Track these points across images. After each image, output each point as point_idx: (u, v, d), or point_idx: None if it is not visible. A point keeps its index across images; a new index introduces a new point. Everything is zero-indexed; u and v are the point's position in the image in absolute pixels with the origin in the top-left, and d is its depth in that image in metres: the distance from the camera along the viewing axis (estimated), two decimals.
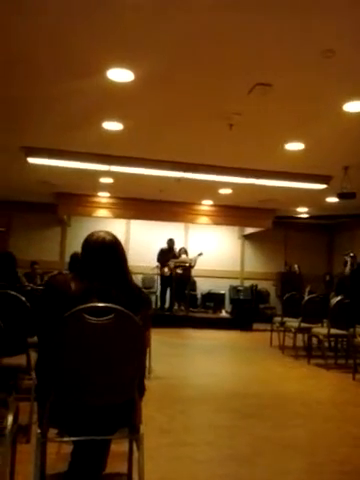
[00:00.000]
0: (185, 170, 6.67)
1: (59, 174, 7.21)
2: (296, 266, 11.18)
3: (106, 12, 2.80)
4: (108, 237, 1.91)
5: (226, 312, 10.24)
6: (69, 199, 9.26)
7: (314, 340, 6.35)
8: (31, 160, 6.20)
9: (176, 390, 4.22)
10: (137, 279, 9.94)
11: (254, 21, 2.85)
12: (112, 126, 4.97)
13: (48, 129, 5.22)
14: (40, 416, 1.72)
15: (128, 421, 1.79)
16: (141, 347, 1.75)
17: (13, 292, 2.80)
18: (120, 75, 3.70)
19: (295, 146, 5.43)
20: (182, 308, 9.80)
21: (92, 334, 1.64)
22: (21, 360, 2.76)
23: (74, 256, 4.37)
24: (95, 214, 9.69)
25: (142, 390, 1.82)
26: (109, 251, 1.88)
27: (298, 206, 9.66)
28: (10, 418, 1.80)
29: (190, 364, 5.76)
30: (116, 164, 6.45)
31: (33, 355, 2.83)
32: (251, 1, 2.64)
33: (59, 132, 5.32)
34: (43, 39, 3.15)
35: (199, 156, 6.24)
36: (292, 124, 4.74)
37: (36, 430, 1.78)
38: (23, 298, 2.80)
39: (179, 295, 9.75)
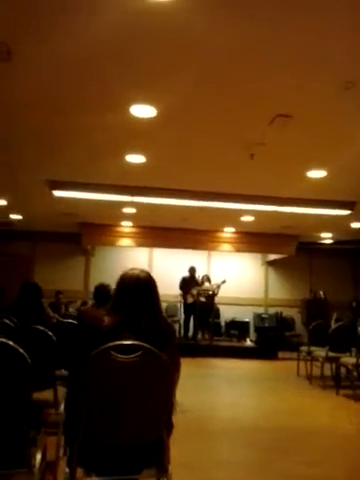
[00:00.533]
0: (207, 199, 6.72)
1: (83, 205, 7.35)
2: (321, 292, 11.01)
3: (131, 51, 2.91)
4: (143, 274, 1.98)
5: (251, 341, 10.08)
6: (92, 229, 9.39)
7: (342, 369, 6.18)
8: (56, 193, 6.35)
9: (203, 424, 4.15)
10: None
11: (273, 53, 2.90)
12: (135, 159, 5.07)
13: (72, 163, 5.37)
14: (69, 456, 1.72)
15: (156, 460, 1.77)
16: (169, 385, 1.74)
17: (41, 327, 2.84)
18: (143, 111, 3.80)
19: (317, 174, 5.42)
20: (206, 337, 9.70)
21: (119, 372, 1.64)
22: (48, 394, 2.77)
23: (99, 287, 4.39)
24: (118, 243, 9.80)
25: (170, 428, 1.80)
26: (143, 288, 1.94)
27: (322, 231, 9.56)
28: (38, 456, 1.80)
29: (216, 396, 5.66)
30: (139, 195, 6.55)
31: (60, 389, 2.84)
32: (270, 35, 2.70)
33: (83, 165, 5.46)
34: (70, 75, 3.26)
35: (221, 185, 6.28)
36: (313, 152, 4.75)
37: (64, 468, 1.77)
38: (50, 332, 2.83)
39: (203, 323, 9.67)
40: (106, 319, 1.82)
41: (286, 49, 2.85)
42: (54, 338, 2.83)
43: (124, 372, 1.64)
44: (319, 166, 5.18)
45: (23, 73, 3.23)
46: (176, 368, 1.93)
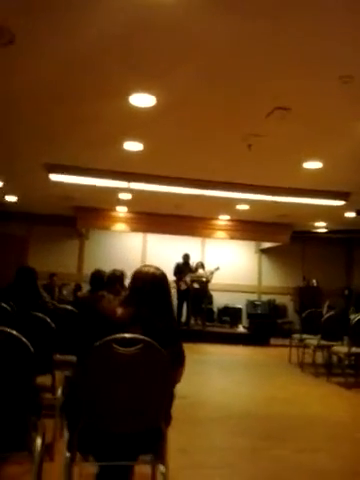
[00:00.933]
0: (203, 187, 6.75)
1: (79, 190, 7.34)
2: (314, 280, 11.14)
3: (133, 43, 2.91)
4: (158, 271, 2.07)
5: (243, 327, 10.22)
6: (88, 213, 9.40)
7: (334, 357, 6.31)
8: (53, 177, 6.35)
9: (196, 410, 4.25)
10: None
11: (273, 47, 2.92)
12: (133, 146, 5.08)
13: (70, 148, 5.36)
14: (69, 441, 1.78)
15: (153, 448, 1.84)
16: (167, 377, 1.80)
17: (40, 314, 2.89)
18: (142, 100, 3.80)
19: (313, 165, 5.46)
20: (199, 322, 9.82)
21: (120, 364, 1.70)
22: (45, 379, 2.83)
23: (96, 274, 4.44)
24: (113, 228, 9.83)
25: (168, 419, 1.87)
26: (159, 285, 2.03)
27: (316, 221, 9.64)
28: (39, 441, 1.87)
29: (208, 382, 5.77)
30: (135, 181, 6.56)
31: (57, 374, 2.91)
32: (270, 28, 2.71)
33: (81, 151, 5.45)
34: (72, 65, 3.26)
35: (217, 173, 6.30)
36: (310, 144, 4.78)
37: (63, 451, 1.85)
38: (49, 319, 2.88)
39: (196, 309, 9.77)
40: (119, 311, 1.90)
41: (285, 44, 2.86)
42: (53, 325, 2.89)
43: (124, 364, 1.70)
44: (315, 158, 5.22)
45: (25, 60, 3.22)
46: (180, 364, 1.99)
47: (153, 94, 3.72)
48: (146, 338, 1.72)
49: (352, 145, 4.71)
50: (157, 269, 2.09)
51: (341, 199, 6.93)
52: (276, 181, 6.52)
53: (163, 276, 2.07)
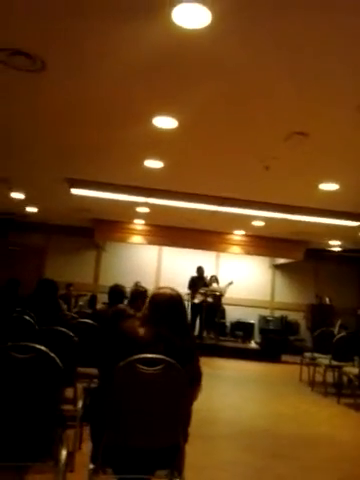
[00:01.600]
0: (220, 204, 6.87)
1: (98, 203, 7.52)
2: (327, 298, 11.14)
3: (159, 70, 3.06)
4: (174, 293, 2.21)
5: (255, 342, 10.25)
6: (106, 225, 9.59)
7: (344, 377, 6.34)
8: (74, 191, 6.53)
9: (207, 425, 4.32)
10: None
11: (293, 76, 3.03)
12: (153, 164, 5.23)
13: (92, 165, 5.53)
14: (93, 454, 1.90)
15: (171, 463, 1.94)
16: (186, 396, 1.91)
17: (63, 329, 3.02)
18: (165, 122, 3.95)
19: (329, 187, 5.55)
20: (211, 336, 9.88)
21: (143, 383, 1.82)
22: (67, 392, 2.95)
23: (114, 288, 4.56)
24: (130, 240, 9.99)
25: (186, 436, 1.98)
26: (176, 306, 2.17)
27: (330, 239, 9.68)
28: (64, 452, 1.99)
29: (220, 397, 5.84)
30: (154, 196, 6.71)
31: (78, 387, 3.03)
32: (291, 59, 2.82)
33: (102, 167, 5.62)
34: (98, 90, 3.42)
35: (234, 191, 6.42)
36: (327, 168, 4.89)
37: (87, 464, 1.96)
38: (71, 333, 3.01)
39: (209, 323, 9.85)
40: (141, 331, 2.03)
41: (305, 73, 2.97)
42: (76, 338, 3.02)
43: (147, 383, 1.81)
44: (332, 180, 5.31)
45: (54, 85, 3.39)
46: (198, 382, 2.10)
47: (175, 117, 3.86)
48: (168, 358, 1.84)
49: None
50: (173, 290, 2.23)
51: (356, 220, 6.99)
52: (292, 200, 6.62)
53: (179, 297, 2.21)
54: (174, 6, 2.34)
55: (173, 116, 3.84)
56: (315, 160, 4.63)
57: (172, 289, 2.23)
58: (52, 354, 1.95)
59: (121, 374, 1.82)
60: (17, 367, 1.93)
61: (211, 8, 2.34)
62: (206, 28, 2.50)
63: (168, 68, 3.02)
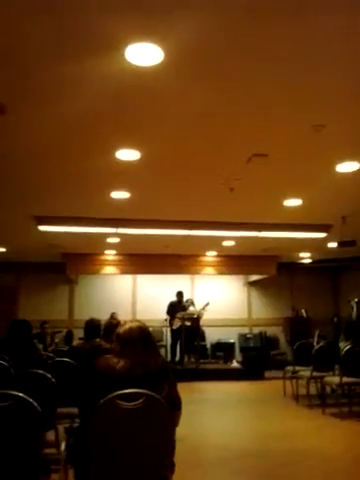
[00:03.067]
0: (189, 228, 6.95)
1: (67, 237, 7.48)
2: (303, 310, 11.28)
3: (119, 106, 3.13)
4: (140, 323, 2.42)
5: (237, 362, 10.23)
6: (77, 259, 9.51)
7: (327, 387, 6.40)
8: (42, 228, 6.49)
9: (194, 452, 4.27)
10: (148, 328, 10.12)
11: (246, 105, 3.15)
12: (120, 195, 5.27)
13: (59, 200, 5.53)
14: None
15: None
16: (170, 429, 1.91)
17: (40, 371, 2.97)
18: (127, 155, 4.01)
19: (293, 202, 5.71)
20: (192, 360, 9.82)
21: (124, 418, 1.80)
22: (48, 434, 2.88)
23: (90, 323, 4.50)
24: (102, 271, 9.92)
25: (172, 467, 1.97)
26: (144, 332, 2.37)
27: (301, 252, 9.88)
28: None
29: (205, 422, 5.78)
30: (123, 226, 6.73)
31: (59, 428, 2.97)
32: (242, 90, 2.93)
33: (69, 202, 5.63)
34: (63, 128, 3.45)
35: (202, 214, 6.51)
36: (289, 185, 5.04)
37: None
38: (49, 375, 2.96)
39: (189, 347, 9.80)
40: (118, 365, 2.16)
41: (259, 98, 3.08)
42: (53, 380, 2.96)
43: (128, 418, 1.81)
44: (295, 196, 5.47)
45: (15, 127, 3.42)
46: (177, 407, 2.16)
47: (137, 149, 3.93)
48: (147, 392, 1.84)
49: (329, 182, 4.95)
50: (138, 321, 2.49)
51: (323, 231, 7.18)
52: (259, 218, 6.75)
53: (145, 326, 2.44)
54: (127, 45, 2.42)
55: (135, 148, 3.91)
56: (277, 179, 4.77)
57: (137, 320, 2.49)
58: (30, 399, 1.92)
59: (101, 412, 1.81)
60: None
61: (163, 46, 2.42)
62: (159, 65, 2.59)
63: (126, 103, 3.10)
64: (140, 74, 2.70)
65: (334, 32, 2.36)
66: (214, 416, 6.11)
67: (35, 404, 1.89)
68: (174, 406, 2.16)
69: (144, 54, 2.48)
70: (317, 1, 2.13)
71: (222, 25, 2.27)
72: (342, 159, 4.24)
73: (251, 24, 2.27)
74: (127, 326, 2.36)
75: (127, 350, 2.25)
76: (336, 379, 5.78)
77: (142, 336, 2.33)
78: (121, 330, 2.36)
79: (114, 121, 3.38)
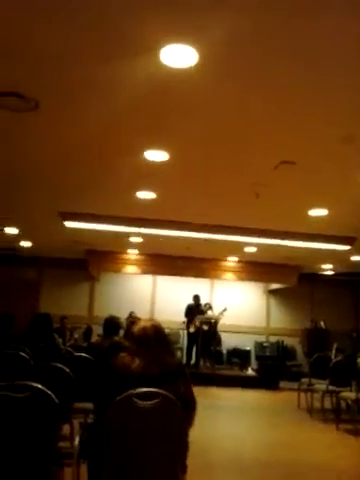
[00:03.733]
0: (212, 232, 6.94)
1: (91, 234, 7.56)
2: (322, 322, 11.12)
3: (149, 106, 3.16)
4: (152, 323, 2.40)
5: (252, 369, 10.15)
6: (99, 256, 9.61)
7: (343, 402, 6.29)
8: (68, 224, 6.58)
9: (206, 456, 4.25)
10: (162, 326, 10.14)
11: (279, 110, 3.13)
12: (145, 195, 5.31)
13: (85, 198, 5.60)
14: None
15: None
16: (183, 429, 1.91)
17: (59, 364, 3.01)
18: (156, 155, 4.04)
19: (319, 212, 5.64)
20: (208, 365, 9.80)
21: (139, 417, 1.82)
22: (64, 428, 2.92)
23: (109, 320, 4.54)
24: (124, 270, 10.00)
25: (184, 468, 1.97)
26: (159, 331, 2.38)
27: (323, 263, 9.75)
28: None
29: (218, 428, 5.76)
30: (147, 226, 6.77)
31: (74, 423, 3.00)
32: (276, 94, 2.92)
33: (95, 200, 5.70)
34: (94, 128, 3.51)
35: (226, 219, 6.50)
36: (315, 194, 4.99)
37: None
38: (67, 369, 3.00)
39: (205, 351, 9.78)
40: (132, 363, 2.17)
41: (290, 106, 3.07)
42: (71, 374, 3.00)
43: (143, 417, 1.82)
44: (321, 205, 5.41)
45: (47, 124, 3.48)
46: (192, 408, 2.16)
47: (166, 150, 3.95)
48: (163, 392, 1.85)
49: (356, 194, 4.89)
50: (150, 320, 2.51)
51: (347, 244, 7.07)
52: (283, 226, 6.70)
53: (159, 325, 2.44)
54: (162, 47, 2.44)
55: (164, 149, 3.93)
56: (303, 187, 4.73)
57: (148, 319, 2.51)
58: (48, 391, 1.95)
59: (117, 409, 1.82)
60: (14, 406, 1.92)
61: (197, 48, 2.44)
62: (193, 67, 2.60)
63: (157, 104, 3.12)
64: (174, 75, 2.71)
65: None
66: (227, 422, 6.09)
67: (53, 396, 1.92)
68: (189, 406, 2.17)
69: (179, 56, 2.50)
70: None
71: (257, 27, 2.26)
72: None
73: (288, 27, 2.25)
74: (141, 325, 2.38)
75: (142, 349, 2.27)
76: (352, 395, 5.67)
77: (156, 335, 2.34)
78: (135, 329, 2.38)
79: (145, 122, 3.41)
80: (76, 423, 3.06)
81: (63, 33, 2.35)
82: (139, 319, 4.18)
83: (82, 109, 3.26)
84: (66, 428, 2.92)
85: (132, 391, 1.83)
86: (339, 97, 2.90)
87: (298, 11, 2.13)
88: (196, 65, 2.58)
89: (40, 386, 1.95)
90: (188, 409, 2.10)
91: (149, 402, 1.83)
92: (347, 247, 7.16)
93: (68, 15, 2.21)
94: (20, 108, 3.19)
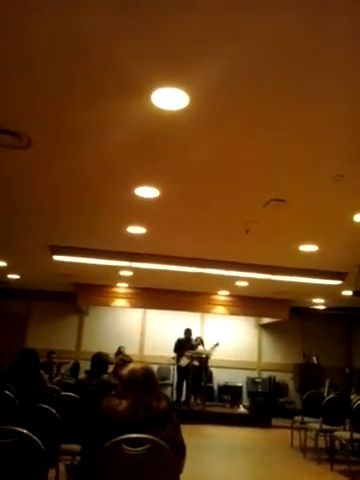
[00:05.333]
0: (203, 266, 6.93)
1: (81, 268, 7.51)
2: (314, 357, 11.02)
3: (141, 146, 3.20)
4: (144, 365, 2.40)
5: (244, 406, 9.95)
6: (89, 289, 9.52)
7: (336, 442, 6.16)
8: (56, 258, 6.54)
9: None
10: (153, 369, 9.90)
11: (269, 151, 3.20)
12: (136, 230, 5.31)
13: (75, 232, 5.60)
14: None
15: None
16: (175, 476, 1.85)
17: (45, 406, 2.92)
18: (147, 192, 4.07)
19: (309, 248, 5.68)
20: (198, 402, 9.59)
21: (129, 464, 1.76)
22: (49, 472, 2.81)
23: (98, 357, 4.46)
24: (113, 304, 9.88)
25: None
26: (148, 374, 2.36)
27: (314, 297, 9.74)
28: None
29: (210, 470, 5.57)
30: (137, 261, 6.74)
31: (61, 466, 2.89)
32: (267, 136, 2.98)
33: (85, 234, 5.69)
34: (85, 164, 3.54)
35: (216, 253, 6.51)
36: (305, 231, 5.03)
37: None
38: (53, 411, 2.91)
39: (195, 387, 9.58)
40: (119, 407, 2.13)
41: (281, 145, 3.13)
42: (58, 416, 2.91)
43: (133, 464, 1.76)
44: (311, 242, 5.45)
45: (39, 160, 3.51)
46: (182, 454, 2.11)
47: (156, 187, 3.99)
48: (153, 438, 1.80)
49: (346, 231, 4.94)
50: (142, 363, 2.53)
51: (338, 279, 7.09)
52: (273, 261, 6.71)
53: (149, 368, 2.44)
54: (153, 90, 2.50)
55: (154, 186, 3.97)
56: (293, 224, 4.77)
57: (140, 362, 2.54)
58: (34, 437, 1.89)
59: (106, 456, 1.76)
60: None
61: (188, 92, 2.50)
62: (184, 109, 2.66)
63: (148, 144, 3.17)
64: (165, 117, 2.77)
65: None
66: (218, 464, 5.90)
67: (39, 442, 1.86)
68: (178, 451, 2.11)
69: (169, 98, 2.56)
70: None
71: (245, 73, 2.33)
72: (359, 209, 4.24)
73: (275, 72, 2.32)
74: (131, 367, 2.37)
75: (129, 392, 2.25)
76: (346, 434, 5.56)
77: (145, 379, 2.32)
78: (124, 372, 2.37)
79: (136, 160, 3.45)
80: (62, 466, 2.94)
81: (56, 73, 2.40)
82: (129, 359, 4.13)
83: (75, 148, 3.30)
84: (51, 472, 2.80)
85: (121, 437, 1.78)
86: (329, 136, 2.97)
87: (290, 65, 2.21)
88: (186, 108, 2.64)
89: (26, 432, 1.88)
90: (177, 455, 2.04)
91: (139, 449, 1.77)
92: (338, 282, 7.17)
93: (61, 56, 2.26)
94: (13, 145, 3.22)
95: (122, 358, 4.25)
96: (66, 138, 3.16)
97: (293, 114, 2.72)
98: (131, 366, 2.38)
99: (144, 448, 1.77)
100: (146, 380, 2.31)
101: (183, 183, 3.88)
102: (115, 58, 2.25)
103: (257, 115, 2.74)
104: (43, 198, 4.38)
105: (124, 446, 1.76)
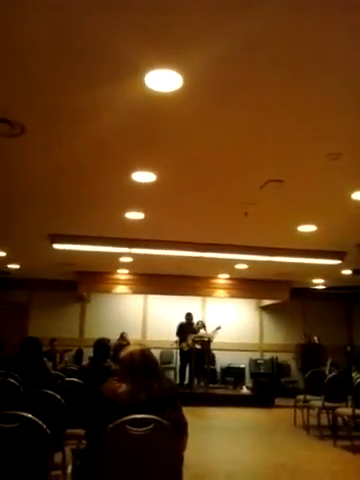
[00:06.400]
0: (202, 250, 6.94)
1: (81, 256, 7.52)
2: (315, 337, 11.11)
3: (137, 129, 3.18)
4: (143, 347, 2.40)
5: (247, 388, 10.06)
6: (89, 277, 9.55)
7: (339, 419, 6.24)
8: (56, 246, 6.54)
9: None
10: (155, 354, 9.90)
11: (263, 131, 3.18)
12: (134, 216, 5.31)
13: (74, 220, 5.59)
14: None
15: None
16: (178, 456, 1.88)
17: (49, 391, 2.95)
18: (143, 177, 4.06)
19: (307, 228, 5.68)
20: (202, 384, 9.69)
21: (132, 444, 1.78)
22: (55, 456, 2.85)
23: (100, 343, 4.50)
24: (114, 290, 9.93)
25: None
26: (147, 356, 2.36)
27: (314, 278, 9.78)
28: None
29: (213, 450, 5.66)
30: (137, 246, 6.75)
31: (67, 450, 2.93)
32: (261, 117, 2.96)
33: (84, 222, 5.68)
34: (81, 149, 3.51)
35: (216, 237, 6.51)
36: (303, 211, 5.03)
37: None
38: (58, 396, 2.94)
39: (198, 370, 9.68)
40: (120, 390, 2.13)
41: (276, 125, 3.10)
42: (63, 401, 2.94)
43: (137, 444, 1.78)
44: (309, 222, 5.45)
45: (34, 147, 3.49)
46: (184, 431, 2.13)
47: (153, 172, 3.97)
48: (157, 418, 1.82)
49: (344, 211, 4.93)
50: (139, 344, 2.51)
51: (337, 258, 7.11)
52: (272, 242, 6.72)
53: (148, 350, 2.43)
54: (147, 72, 2.47)
55: (151, 170, 3.95)
56: (291, 205, 4.77)
57: (139, 344, 2.50)
58: (39, 421, 1.91)
59: (110, 437, 1.79)
60: (4, 437, 1.88)
61: (182, 73, 2.47)
62: (178, 91, 2.63)
63: (143, 127, 3.15)
64: (159, 99, 2.74)
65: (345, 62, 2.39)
66: (223, 444, 5.99)
67: (44, 426, 1.88)
68: (180, 430, 2.14)
69: (163, 80, 2.53)
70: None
71: (239, 55, 2.31)
72: (358, 188, 4.23)
73: (269, 53, 2.30)
74: (129, 350, 2.37)
75: (128, 375, 2.26)
76: (349, 411, 5.64)
77: (143, 360, 2.32)
78: (122, 355, 2.37)
79: (132, 144, 3.43)
80: (68, 450, 2.99)
81: (48, 58, 2.37)
82: (128, 343, 4.16)
83: (69, 133, 3.27)
84: (58, 456, 2.84)
85: (125, 418, 1.80)
86: (325, 114, 2.94)
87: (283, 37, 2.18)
88: (180, 89, 2.61)
89: (30, 416, 1.90)
90: (180, 433, 2.07)
91: (142, 429, 1.80)
92: (338, 262, 7.19)
93: (53, 39, 2.23)
94: (6, 133, 3.19)
95: (120, 342, 4.27)
96: (60, 124, 3.13)
97: (288, 94, 2.69)
98: (129, 349, 2.39)
99: (148, 428, 1.79)
100: (145, 362, 2.31)
101: (179, 167, 3.86)
102: (108, 40, 2.22)
103: (252, 96, 2.72)
104: (40, 186, 4.36)
105: (128, 427, 1.78)
